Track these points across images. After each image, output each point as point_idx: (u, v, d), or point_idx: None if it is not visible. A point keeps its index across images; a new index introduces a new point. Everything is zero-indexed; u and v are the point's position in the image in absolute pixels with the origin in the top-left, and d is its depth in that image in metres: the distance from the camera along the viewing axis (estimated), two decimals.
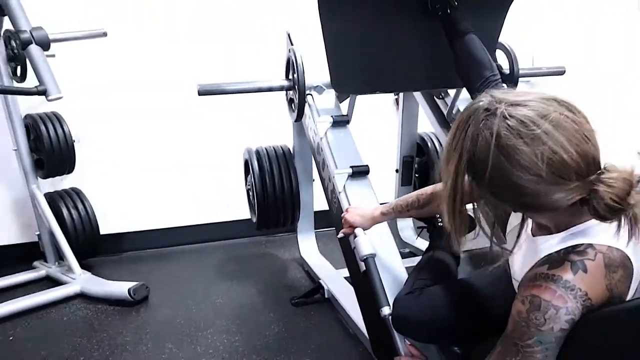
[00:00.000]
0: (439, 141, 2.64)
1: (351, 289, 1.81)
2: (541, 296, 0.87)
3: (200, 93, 1.97)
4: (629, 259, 0.89)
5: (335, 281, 2.25)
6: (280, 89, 2.07)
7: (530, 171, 0.82)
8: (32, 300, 2.28)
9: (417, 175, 2.75)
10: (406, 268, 1.55)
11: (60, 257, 2.63)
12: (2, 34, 2.29)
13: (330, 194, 1.85)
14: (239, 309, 2.23)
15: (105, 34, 2.43)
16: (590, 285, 0.86)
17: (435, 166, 2.55)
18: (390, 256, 1.55)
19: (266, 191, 2.38)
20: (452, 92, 2.25)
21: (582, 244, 0.89)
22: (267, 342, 1.94)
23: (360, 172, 1.77)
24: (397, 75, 2.02)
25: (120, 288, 2.32)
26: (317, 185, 2.20)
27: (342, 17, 1.81)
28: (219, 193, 3.04)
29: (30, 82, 2.12)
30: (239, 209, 2.88)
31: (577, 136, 0.82)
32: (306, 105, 2.02)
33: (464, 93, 2.14)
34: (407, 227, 2.81)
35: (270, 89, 2.07)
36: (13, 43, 2.23)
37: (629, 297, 0.91)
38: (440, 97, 2.33)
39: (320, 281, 2.28)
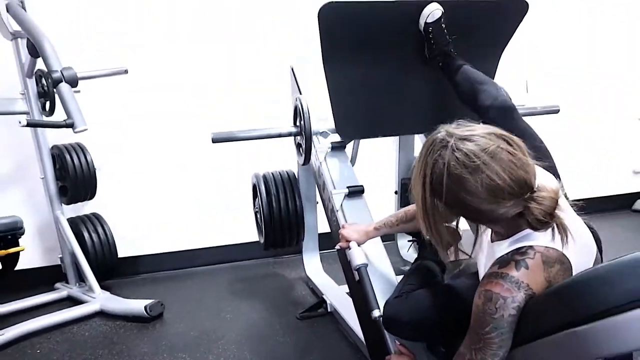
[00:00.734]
0: None
1: (352, 302, 1.93)
2: (492, 290, 1.07)
3: (214, 141, 2.09)
4: (565, 257, 1.09)
5: (337, 296, 2.40)
6: (289, 135, 2.18)
7: (473, 194, 1.04)
8: (56, 317, 2.44)
9: None
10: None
11: (81, 278, 2.80)
12: (34, 73, 2.53)
13: (330, 213, 2.02)
14: (248, 323, 2.38)
15: (126, 72, 2.67)
16: (531, 279, 1.06)
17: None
18: (382, 266, 1.72)
19: (272, 213, 2.54)
20: None
21: (524, 246, 1.10)
22: (273, 352, 2.09)
23: (355, 192, 1.94)
24: (399, 119, 2.16)
25: (137, 305, 2.48)
26: (320, 209, 2.35)
27: (345, 67, 1.95)
28: (229, 217, 3.20)
29: (57, 115, 2.33)
30: (248, 232, 3.03)
31: (510, 164, 1.03)
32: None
33: None
34: (406, 245, 2.96)
35: (279, 135, 2.18)
36: (44, 81, 2.47)
37: None
38: None
39: (324, 296, 2.44)
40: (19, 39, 2.51)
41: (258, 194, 2.61)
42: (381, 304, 1.55)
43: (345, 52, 1.93)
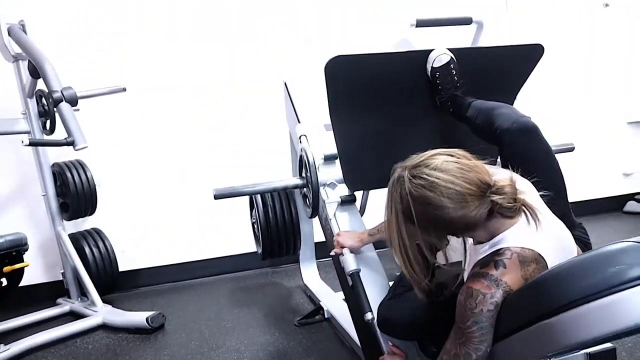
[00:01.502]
0: None
1: (347, 308, 1.99)
2: (473, 287, 1.16)
3: (216, 197, 2.01)
4: (541, 256, 1.19)
5: (334, 302, 2.46)
6: (295, 187, 2.12)
7: (440, 207, 1.15)
8: (60, 331, 2.50)
9: None
10: None
11: (83, 293, 2.85)
12: (34, 93, 2.61)
13: (324, 222, 2.09)
14: (247, 330, 2.44)
15: (124, 89, 2.75)
16: (509, 277, 1.15)
17: None
18: (374, 272, 1.78)
19: (269, 224, 2.59)
20: None
21: (502, 248, 1.19)
22: (272, 358, 2.15)
23: (347, 201, 2.01)
24: None
25: (139, 317, 2.54)
26: (316, 218, 2.40)
27: (353, 119, 1.89)
28: (228, 229, 3.27)
29: (57, 134, 2.40)
30: (246, 243, 3.07)
31: (460, 171, 1.15)
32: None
33: None
34: None
35: (285, 188, 2.15)
36: (44, 101, 2.55)
37: None
38: None
39: (321, 303, 2.50)
40: (20, 61, 2.59)
41: (255, 205, 2.67)
42: (374, 307, 1.62)
43: (353, 104, 1.87)
